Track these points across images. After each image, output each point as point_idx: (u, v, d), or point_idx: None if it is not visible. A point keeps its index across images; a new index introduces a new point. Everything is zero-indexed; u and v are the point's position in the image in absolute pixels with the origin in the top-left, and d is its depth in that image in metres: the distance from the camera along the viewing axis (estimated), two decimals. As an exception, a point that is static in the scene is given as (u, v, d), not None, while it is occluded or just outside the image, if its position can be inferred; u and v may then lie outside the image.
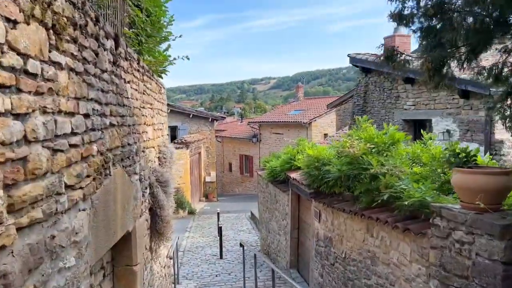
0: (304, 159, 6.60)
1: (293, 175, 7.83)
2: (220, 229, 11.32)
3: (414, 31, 3.81)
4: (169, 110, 24.60)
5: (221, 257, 11.11)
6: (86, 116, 2.58)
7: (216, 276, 9.75)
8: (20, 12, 1.71)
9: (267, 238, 10.65)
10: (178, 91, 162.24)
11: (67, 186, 2.25)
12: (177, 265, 9.55)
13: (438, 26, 3.56)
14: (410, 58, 4.17)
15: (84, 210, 2.52)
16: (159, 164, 5.84)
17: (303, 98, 32.08)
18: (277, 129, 28.58)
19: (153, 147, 5.40)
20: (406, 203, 3.97)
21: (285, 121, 27.27)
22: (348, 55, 12.83)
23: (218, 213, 14.38)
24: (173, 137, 23.57)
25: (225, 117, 25.59)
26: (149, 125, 5.24)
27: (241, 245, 9.36)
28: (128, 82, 3.92)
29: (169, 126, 26.51)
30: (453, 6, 3.45)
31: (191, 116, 24.89)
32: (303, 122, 25.21)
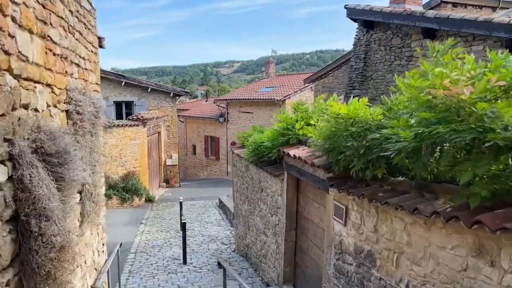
0: (325, 125, 4.03)
1: (294, 151, 5.27)
2: (184, 226, 8.65)
3: None
4: (123, 83, 21.37)
5: (184, 262, 8.47)
6: None
7: (178, 292, 7.15)
8: None
9: (245, 236, 8.14)
10: (139, 72, 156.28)
11: None
12: (120, 278, 6.83)
13: None
14: None
15: None
16: (73, 124, 3.08)
17: (274, 75, 29.49)
18: (247, 107, 25.91)
19: (47, 84, 2.65)
20: None
21: (255, 99, 24.64)
22: (346, 7, 10.32)
23: (180, 202, 11.66)
24: (128, 115, 20.41)
25: (188, 92, 22.63)
26: (38, 35, 2.48)
27: (219, 265, 6.70)
28: None
29: (124, 102, 23.24)
30: None
31: (149, 90, 21.73)
32: (276, 100, 22.68)
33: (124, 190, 16.02)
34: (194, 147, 32.68)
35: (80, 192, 3.27)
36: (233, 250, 9.27)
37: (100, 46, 19.64)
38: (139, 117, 18.01)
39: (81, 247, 3.37)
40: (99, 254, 4.14)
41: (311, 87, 23.81)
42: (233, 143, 28.00)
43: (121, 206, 15.94)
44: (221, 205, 15.64)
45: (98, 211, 3.60)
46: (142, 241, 10.47)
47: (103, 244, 4.41)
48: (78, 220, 3.25)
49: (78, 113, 2.97)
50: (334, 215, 4.34)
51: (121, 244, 7.00)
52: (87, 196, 3.27)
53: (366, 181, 3.91)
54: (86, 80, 3.71)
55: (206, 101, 37.04)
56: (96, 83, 4.12)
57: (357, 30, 10.44)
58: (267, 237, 6.80)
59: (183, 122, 32.42)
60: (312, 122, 4.90)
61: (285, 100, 22.87)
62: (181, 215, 11.46)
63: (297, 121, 5.76)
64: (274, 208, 6.42)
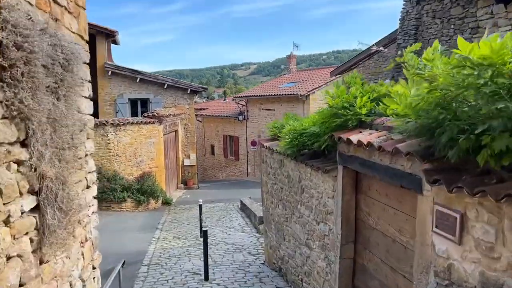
0: (425, 88, 2.57)
1: (356, 137, 3.82)
2: (205, 234, 7.24)
3: None
4: (138, 79, 20.21)
5: (206, 278, 7.06)
6: None
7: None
8: None
9: (279, 247, 6.70)
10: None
11: None
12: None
13: None
14: None
15: None
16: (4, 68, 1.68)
17: (295, 70, 27.99)
18: (268, 104, 24.49)
19: None
20: None
21: (277, 95, 23.19)
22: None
23: (200, 205, 10.28)
24: (143, 113, 19.23)
25: (207, 88, 21.34)
26: None
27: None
28: None
29: (139, 99, 22.09)
30: None
31: (165, 86, 20.53)
32: (300, 95, 21.18)
33: (139, 192, 14.79)
34: (212, 147, 31.45)
35: (36, 193, 1.89)
36: (262, 262, 7.85)
37: (114, 42, 18.27)
38: (155, 114, 16.79)
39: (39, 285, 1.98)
40: (84, 285, 2.76)
41: (337, 81, 22.24)
42: (253, 142, 26.64)
43: (135, 209, 14.71)
44: (244, 208, 14.24)
45: (73, 224, 2.22)
46: (157, 249, 9.13)
47: (93, 268, 3.02)
48: (32, 241, 1.87)
49: (19, 48, 1.61)
50: (436, 227, 2.86)
51: (124, 262, 5.63)
52: (49, 201, 1.90)
53: (497, 173, 2.43)
54: (57, 20, 2.33)
55: (224, 100, 35.78)
56: (79, 35, 2.74)
57: (405, 2, 8.90)
58: (311, 251, 5.34)
59: (200, 121, 31.21)
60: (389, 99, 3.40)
61: (308, 95, 21.38)
62: (200, 220, 10.11)
63: (355, 97, 4.29)
64: (322, 214, 4.96)
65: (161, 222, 12.77)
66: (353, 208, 4.43)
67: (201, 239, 9.61)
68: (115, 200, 14.11)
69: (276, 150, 6.17)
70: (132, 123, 15.59)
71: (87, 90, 2.87)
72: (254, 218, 11.37)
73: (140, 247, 9.22)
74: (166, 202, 16.41)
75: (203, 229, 7.55)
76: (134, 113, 20.18)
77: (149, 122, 16.33)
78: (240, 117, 26.49)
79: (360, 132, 4.04)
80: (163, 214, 14.37)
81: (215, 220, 12.81)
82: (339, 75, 18.15)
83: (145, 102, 20.62)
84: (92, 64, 21.07)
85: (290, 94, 22.09)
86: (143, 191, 14.87)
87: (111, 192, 14.02)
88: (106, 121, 14.93)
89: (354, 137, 3.86)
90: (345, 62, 18.26)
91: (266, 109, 24.67)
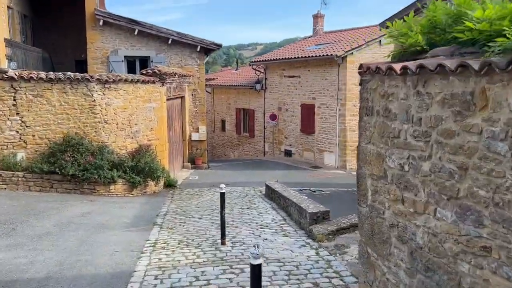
0: None
1: None
2: (257, 270, 3.48)
3: None
4: (137, 31, 16.07)
5: None
6: None
7: None
8: None
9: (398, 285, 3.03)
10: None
11: None
12: None
13: None
14: None
15: None
16: None
17: (322, 32, 23.90)
18: (292, 70, 20.58)
19: None
20: None
21: (304, 57, 19.24)
22: None
23: (222, 195, 6.51)
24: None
25: (221, 45, 17.38)
26: None
27: None
28: None
29: (137, 57, 18.01)
30: None
31: (170, 42, 16.66)
32: (336, 56, 17.21)
33: (134, 171, 11.14)
34: (223, 122, 27.70)
35: None
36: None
37: None
38: (156, 70, 12.99)
39: None
40: None
41: (380, 40, 18.25)
42: (273, 116, 22.80)
43: (129, 194, 11.09)
44: (273, 196, 10.58)
45: None
46: (150, 271, 5.34)
47: None
48: None
49: None
50: None
51: None
52: None
53: None
54: None
55: (237, 69, 31.82)
56: None
57: None
58: None
59: (210, 93, 27.30)
60: None
61: (346, 57, 17.41)
62: (223, 220, 6.38)
63: None
64: None
65: (162, 213, 9.14)
66: None
67: (223, 248, 5.94)
68: (101, 180, 10.47)
69: (459, 66, 2.36)
70: (126, 80, 11.83)
71: None
72: (300, 215, 7.64)
73: (120, 264, 5.53)
74: (170, 185, 12.79)
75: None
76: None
77: (149, 82, 12.55)
78: (258, 86, 22.62)
79: None
80: (165, 201, 10.75)
81: (237, 212, 9.15)
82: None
83: (145, 61, 16.79)
84: (79, 11, 17.26)
85: (322, 55, 18.12)
86: (139, 169, 11.20)
87: (96, 170, 10.37)
88: (91, 77, 11.17)
89: None
90: (400, 11, 14.18)
91: (290, 76, 20.76)
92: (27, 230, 6.78)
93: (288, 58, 20.16)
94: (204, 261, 5.60)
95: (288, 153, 21.29)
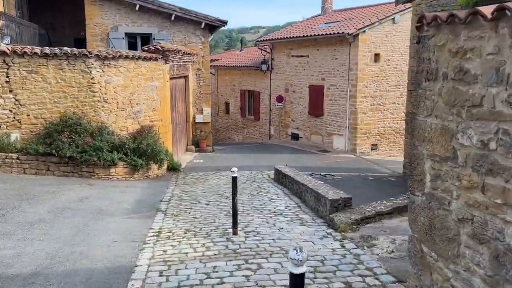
0: None
1: None
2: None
3: None
4: (138, 7, 14.96)
5: None
6: None
7: None
8: None
9: None
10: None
11: None
12: None
13: None
14: None
15: None
16: None
17: (331, 11, 22.91)
18: (300, 49, 19.69)
19: None
20: None
21: (313, 35, 18.33)
22: None
23: (234, 179, 5.82)
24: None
25: (226, 22, 16.47)
26: None
27: None
28: None
29: (139, 34, 17.05)
30: None
31: (173, 18, 15.79)
32: (348, 33, 16.32)
33: (136, 153, 10.46)
34: (227, 104, 26.91)
35: None
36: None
37: None
38: (158, 47, 12.18)
39: None
40: None
41: (393, 18, 17.33)
42: (279, 98, 21.96)
43: (130, 177, 10.43)
44: (283, 181, 9.92)
45: None
46: (154, 265, 4.66)
47: None
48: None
49: None
50: None
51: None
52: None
53: None
54: None
55: (241, 50, 30.86)
56: None
57: None
58: None
59: (213, 74, 26.42)
60: None
61: (358, 35, 16.52)
62: (235, 207, 5.71)
63: None
64: None
65: (166, 198, 8.49)
66: None
67: (235, 238, 5.29)
68: (100, 163, 9.80)
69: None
70: (127, 57, 11.05)
71: None
72: (317, 202, 6.96)
73: (120, 257, 4.87)
74: (173, 168, 12.13)
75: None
76: (132, 53, 15.56)
77: (151, 59, 11.77)
78: (264, 67, 21.75)
79: None
80: (169, 185, 10.10)
81: (246, 198, 8.50)
82: (407, 2, 13.16)
83: (146, 39, 15.96)
84: (77, -16, 16.29)
85: (332, 34, 17.22)
86: (141, 152, 10.52)
87: (95, 152, 9.69)
88: (89, 52, 10.40)
89: None
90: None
91: (297, 56, 19.88)
92: (18, 217, 6.13)
93: (296, 36, 19.25)
94: (215, 254, 4.94)
95: (295, 137, 20.55)
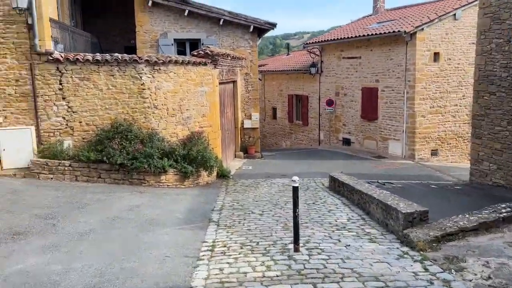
0: None
1: None
2: None
3: None
4: (187, 12, 14.61)
5: None
6: None
7: None
8: None
9: None
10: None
11: None
12: None
13: None
14: None
15: None
16: None
17: (384, 10, 21.85)
18: (351, 50, 18.84)
19: None
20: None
21: (366, 35, 17.43)
22: None
23: (295, 189, 5.22)
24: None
25: (275, 24, 16.01)
26: None
27: None
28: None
29: (188, 40, 16.83)
30: None
31: (221, 22, 15.54)
32: (404, 32, 15.32)
33: (186, 160, 10.16)
34: (274, 110, 26.42)
35: None
36: None
37: None
38: (208, 51, 11.88)
39: None
40: None
41: (454, 14, 16.11)
42: (329, 101, 21.12)
43: (181, 184, 10.14)
44: (340, 189, 9.21)
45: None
46: (211, 286, 4.18)
47: None
48: None
49: None
50: None
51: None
52: None
53: None
54: None
55: (288, 54, 30.33)
56: None
57: None
58: None
59: (260, 79, 26.04)
60: None
61: (415, 33, 15.46)
62: (296, 230, 5.12)
63: None
64: None
65: (217, 207, 8.05)
66: None
67: (297, 256, 4.69)
68: (151, 170, 9.58)
69: None
70: (177, 62, 10.82)
71: None
72: (386, 215, 6.21)
73: (173, 275, 4.41)
74: (222, 175, 11.74)
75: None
76: (181, 59, 15.45)
77: (200, 63, 11.48)
78: (313, 70, 21.07)
79: None
80: (219, 193, 9.69)
81: (302, 208, 7.86)
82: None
83: (195, 44, 15.78)
84: (127, -4, 16.43)
85: (387, 33, 16.26)
86: (191, 158, 10.21)
87: (146, 159, 9.48)
88: (140, 58, 10.25)
89: None
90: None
91: (349, 58, 19.04)
92: (68, 227, 5.90)
93: (348, 37, 18.42)
94: (277, 276, 4.37)
95: (346, 142, 19.65)
